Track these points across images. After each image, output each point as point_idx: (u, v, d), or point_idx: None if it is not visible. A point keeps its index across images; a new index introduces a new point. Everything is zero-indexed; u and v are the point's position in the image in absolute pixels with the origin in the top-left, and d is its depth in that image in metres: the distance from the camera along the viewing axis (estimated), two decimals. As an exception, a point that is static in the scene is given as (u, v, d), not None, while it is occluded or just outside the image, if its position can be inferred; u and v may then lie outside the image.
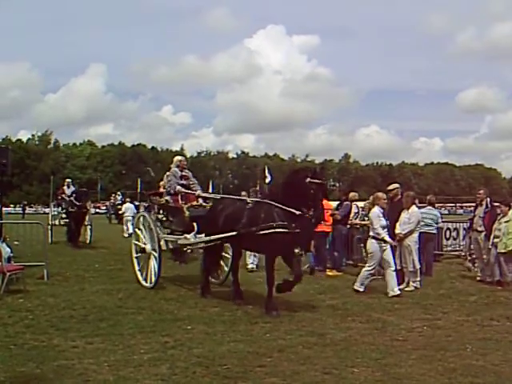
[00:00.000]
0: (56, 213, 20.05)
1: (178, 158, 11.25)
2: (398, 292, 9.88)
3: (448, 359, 6.04)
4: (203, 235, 9.64)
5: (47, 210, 26.77)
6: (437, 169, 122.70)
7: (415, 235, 10.82)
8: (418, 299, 9.58)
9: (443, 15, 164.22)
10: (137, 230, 11.08)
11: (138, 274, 10.77)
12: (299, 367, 5.71)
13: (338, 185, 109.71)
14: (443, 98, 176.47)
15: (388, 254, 10.00)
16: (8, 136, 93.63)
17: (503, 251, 10.91)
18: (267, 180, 28.48)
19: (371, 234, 10.14)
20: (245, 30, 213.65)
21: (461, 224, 16.91)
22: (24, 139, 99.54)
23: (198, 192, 10.70)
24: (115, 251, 17.07)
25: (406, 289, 10.52)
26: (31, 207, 65.68)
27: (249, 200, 9.20)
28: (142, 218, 11.04)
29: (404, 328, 7.47)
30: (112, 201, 39.29)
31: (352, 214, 13.48)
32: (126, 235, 17.29)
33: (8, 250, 11.00)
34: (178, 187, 10.51)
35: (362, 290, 10.04)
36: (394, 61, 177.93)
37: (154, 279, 10.08)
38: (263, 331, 7.19)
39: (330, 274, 12.56)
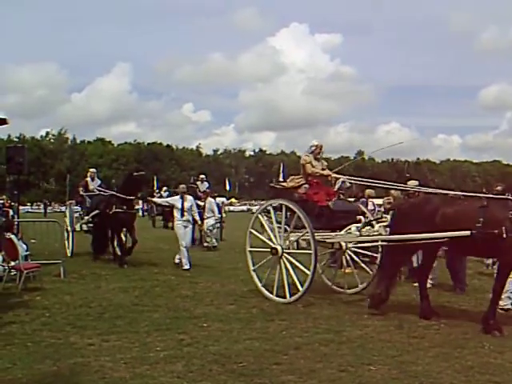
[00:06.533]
0: (77, 214, 15.43)
1: None
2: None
3: (465, 357, 5.99)
4: None
5: (63, 209, 25.84)
6: (453, 165, 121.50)
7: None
8: (434, 296, 9.47)
9: (466, 12, 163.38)
10: None
11: None
12: (315, 365, 5.69)
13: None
14: (464, 95, 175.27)
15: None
16: (23, 134, 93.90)
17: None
18: (281, 178, 28.41)
19: None
20: (269, 29, 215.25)
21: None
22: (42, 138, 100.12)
23: None
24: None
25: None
26: (50, 205, 65.58)
27: None
28: None
29: (421, 325, 7.42)
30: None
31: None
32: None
33: (25, 247, 11.12)
34: None
35: None
36: (416, 58, 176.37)
37: None
38: (279, 329, 7.17)
39: (346, 271, 12.48)
